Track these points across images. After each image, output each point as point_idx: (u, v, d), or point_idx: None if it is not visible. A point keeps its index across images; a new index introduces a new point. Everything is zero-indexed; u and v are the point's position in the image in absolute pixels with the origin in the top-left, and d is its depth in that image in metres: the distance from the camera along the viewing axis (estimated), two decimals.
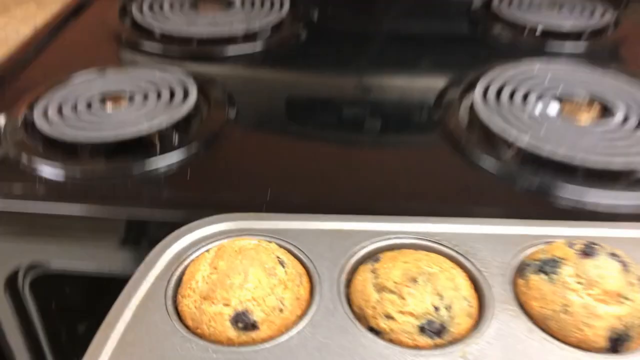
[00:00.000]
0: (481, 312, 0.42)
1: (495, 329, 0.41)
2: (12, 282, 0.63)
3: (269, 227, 0.47)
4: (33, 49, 0.87)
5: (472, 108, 0.70)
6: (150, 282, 0.44)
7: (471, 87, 0.74)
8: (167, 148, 0.63)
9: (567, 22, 0.95)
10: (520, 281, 0.44)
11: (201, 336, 0.41)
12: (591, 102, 0.72)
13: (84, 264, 0.62)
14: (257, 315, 0.41)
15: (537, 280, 0.43)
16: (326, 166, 0.64)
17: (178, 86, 0.73)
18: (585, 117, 0.69)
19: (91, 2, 1.04)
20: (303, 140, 0.70)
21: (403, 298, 0.42)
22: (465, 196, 0.57)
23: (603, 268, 0.42)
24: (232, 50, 0.87)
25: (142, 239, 0.57)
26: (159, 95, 0.71)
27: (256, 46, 0.88)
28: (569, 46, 0.90)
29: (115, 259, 0.59)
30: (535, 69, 0.78)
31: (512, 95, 0.71)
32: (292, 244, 0.46)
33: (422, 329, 0.41)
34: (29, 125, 0.68)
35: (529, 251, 0.46)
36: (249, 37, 0.89)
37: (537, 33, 0.93)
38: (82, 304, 0.71)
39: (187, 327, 0.41)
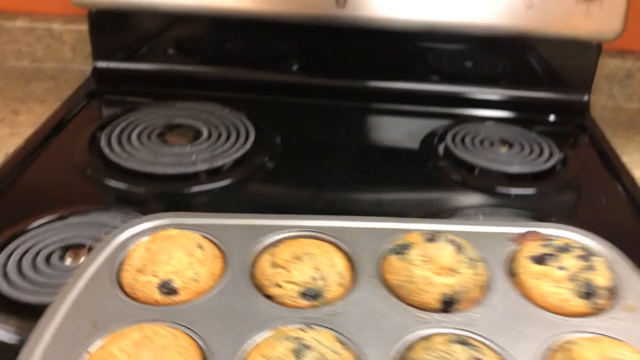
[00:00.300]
0: (353, 283, 0.56)
1: (359, 295, 0.54)
2: None
3: (197, 222, 0.61)
4: None
5: None
6: (100, 261, 0.57)
7: None
8: None
9: (514, 165, 0.96)
10: (383, 261, 0.57)
11: (136, 299, 0.53)
12: None
13: None
14: (177, 284, 0.54)
15: (392, 259, 0.56)
16: None
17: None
18: None
19: (64, 125, 1.05)
20: None
21: (289, 271, 0.54)
22: None
23: (440, 249, 0.55)
24: (197, 187, 0.88)
25: None
26: None
27: (221, 182, 0.89)
28: (517, 189, 0.92)
29: None
30: None
31: None
32: (212, 234, 0.60)
33: (302, 294, 0.53)
34: None
35: (393, 239, 0.59)
36: (214, 172, 0.91)
37: (486, 174, 0.95)
38: None
39: (125, 292, 0.54)
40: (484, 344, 0.48)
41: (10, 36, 1.25)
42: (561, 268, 0.55)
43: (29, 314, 0.57)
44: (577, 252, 0.57)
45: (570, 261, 0.55)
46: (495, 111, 1.18)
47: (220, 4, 1.10)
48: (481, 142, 1.03)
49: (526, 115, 1.18)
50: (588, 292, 0.54)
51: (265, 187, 0.93)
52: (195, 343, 0.48)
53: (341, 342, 0.48)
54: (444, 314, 0.52)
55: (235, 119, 1.06)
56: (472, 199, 0.91)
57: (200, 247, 0.57)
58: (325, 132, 1.09)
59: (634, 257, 0.61)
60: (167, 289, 0.54)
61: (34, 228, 0.75)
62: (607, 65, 1.23)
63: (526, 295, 0.55)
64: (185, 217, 0.62)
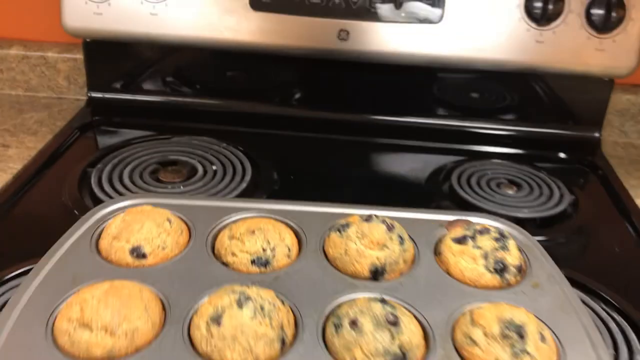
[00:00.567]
0: (299, 254, 0.64)
1: (302, 264, 0.62)
2: None
3: (168, 202, 0.70)
4: None
5: None
6: (82, 230, 0.66)
7: None
8: None
9: (522, 210, 0.92)
10: (326, 238, 0.65)
11: (110, 262, 0.61)
12: None
13: None
14: (146, 250, 0.62)
15: (333, 235, 0.64)
16: None
17: None
18: None
19: (55, 160, 1.01)
20: None
21: (243, 242, 0.62)
22: None
23: (373, 228, 0.62)
24: None
25: None
26: None
27: None
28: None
29: None
30: None
31: None
32: (181, 213, 0.68)
33: (252, 262, 0.62)
34: None
35: (337, 221, 0.67)
36: None
37: None
38: None
39: (102, 256, 0.62)
40: (402, 305, 0.56)
41: (4, 64, 1.22)
42: (477, 247, 0.63)
43: None
44: (493, 235, 0.64)
45: (486, 242, 0.63)
46: (503, 148, 1.14)
47: (219, 36, 1.07)
48: (488, 183, 0.99)
49: (535, 151, 1.13)
50: (499, 269, 0.62)
51: None
52: (157, 297, 0.56)
53: (281, 300, 0.55)
54: (373, 282, 0.61)
55: (232, 154, 1.02)
56: None
57: (169, 221, 0.65)
58: (326, 168, 1.05)
59: None
60: (138, 253, 0.62)
61: (10, 279, 0.70)
62: (619, 100, 1.18)
63: (447, 270, 0.63)
64: (159, 197, 0.73)
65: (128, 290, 0.54)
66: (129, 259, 0.61)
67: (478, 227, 0.65)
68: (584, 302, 0.72)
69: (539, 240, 0.85)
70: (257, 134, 1.13)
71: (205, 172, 0.97)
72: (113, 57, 1.16)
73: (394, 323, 0.52)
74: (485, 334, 0.53)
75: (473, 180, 0.99)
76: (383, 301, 0.55)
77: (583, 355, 0.54)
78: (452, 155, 1.09)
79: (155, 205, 0.68)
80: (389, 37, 1.05)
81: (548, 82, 1.15)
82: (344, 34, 1.05)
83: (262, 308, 0.52)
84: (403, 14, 1.04)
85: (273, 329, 0.52)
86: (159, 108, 1.18)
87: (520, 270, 0.64)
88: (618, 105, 1.19)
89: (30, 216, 0.88)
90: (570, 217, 0.94)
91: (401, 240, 0.63)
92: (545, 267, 0.65)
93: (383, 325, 0.52)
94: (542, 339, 0.53)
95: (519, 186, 0.99)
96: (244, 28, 1.05)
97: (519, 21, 1.03)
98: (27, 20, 1.23)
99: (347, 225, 0.64)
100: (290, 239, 0.65)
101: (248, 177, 0.96)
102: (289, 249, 0.63)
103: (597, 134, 1.15)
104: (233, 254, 0.62)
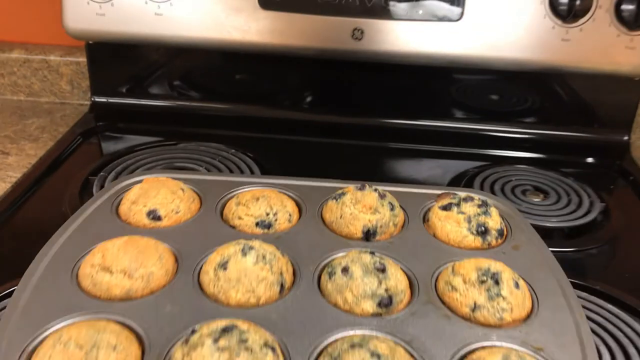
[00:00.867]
0: (299, 219, 0.70)
1: (301, 227, 0.68)
2: None
3: (182, 176, 0.76)
4: None
5: None
6: (104, 199, 0.72)
7: None
8: None
9: (550, 219, 0.87)
10: (324, 205, 0.71)
11: (129, 224, 0.67)
12: None
13: None
14: (161, 213, 0.67)
15: (330, 203, 0.70)
16: None
17: None
18: None
19: (56, 168, 0.97)
20: None
21: (248, 208, 0.68)
22: None
23: (366, 195, 0.68)
24: None
25: None
26: None
27: None
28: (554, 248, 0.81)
29: None
30: None
31: None
32: (193, 184, 0.74)
33: (257, 224, 0.67)
34: None
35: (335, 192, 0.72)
36: None
37: None
38: None
39: (121, 219, 0.68)
40: (389, 258, 0.61)
41: (5, 68, 1.18)
42: (461, 212, 0.68)
43: None
44: (476, 202, 0.69)
45: (469, 208, 0.68)
46: (526, 152, 1.08)
47: (227, 37, 1.02)
48: (512, 190, 0.93)
49: (560, 156, 1.08)
50: (481, 231, 0.67)
51: None
52: (171, 251, 0.62)
53: (281, 253, 0.61)
54: (365, 242, 0.66)
55: (241, 161, 0.97)
56: None
57: (182, 190, 0.70)
58: (339, 175, 0.99)
59: None
60: (154, 216, 0.67)
61: (9, 294, 0.64)
62: None
63: (434, 234, 0.68)
64: (173, 173, 0.77)
65: (145, 243, 0.60)
66: (145, 221, 0.67)
67: (463, 196, 0.70)
68: (619, 318, 0.68)
69: (568, 251, 0.82)
70: (267, 139, 1.09)
71: None
72: (117, 60, 1.12)
73: (382, 270, 0.58)
74: (464, 281, 0.58)
75: (497, 187, 0.93)
76: (372, 253, 0.60)
77: (555, 304, 0.59)
78: (473, 161, 1.04)
79: (173, 178, 0.75)
80: (405, 36, 1.00)
81: (574, 83, 1.09)
82: (358, 33, 1.00)
83: (263, 257, 0.58)
84: (420, 12, 0.98)
85: (273, 274, 0.57)
86: (165, 113, 1.13)
87: (501, 234, 0.68)
88: None
89: (29, 227, 0.84)
90: (601, 226, 0.88)
91: (392, 206, 0.69)
92: (526, 233, 0.69)
93: (371, 272, 0.57)
94: (516, 285, 0.58)
95: (545, 193, 0.94)
96: (253, 28, 1.00)
97: (544, 18, 0.97)
98: (28, 23, 1.19)
99: (343, 194, 0.69)
100: (291, 206, 0.70)
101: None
102: (290, 215, 0.69)
103: (626, 137, 1.10)
104: (239, 218, 0.68)
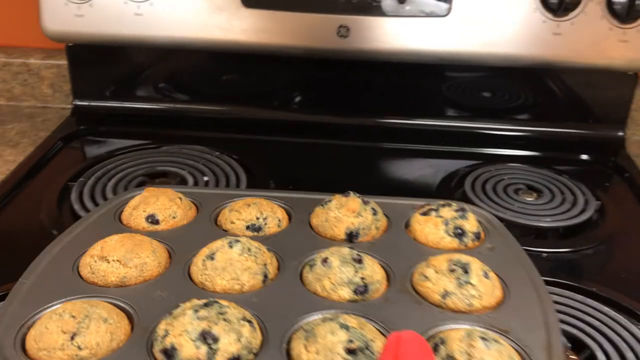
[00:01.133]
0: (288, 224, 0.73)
1: (289, 230, 0.71)
2: None
3: (181, 190, 0.77)
4: None
5: None
6: (107, 208, 0.75)
7: None
8: None
9: (544, 218, 0.85)
10: (312, 213, 0.73)
11: (129, 228, 0.71)
12: None
13: None
14: (159, 217, 0.71)
15: (317, 209, 0.73)
16: None
17: None
18: None
19: (35, 174, 0.94)
20: None
21: (240, 213, 0.71)
22: None
23: (351, 200, 0.71)
24: None
25: None
26: None
27: None
28: (549, 248, 0.81)
29: None
30: None
31: None
32: (191, 196, 0.77)
33: (247, 227, 0.70)
34: None
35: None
36: None
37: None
38: None
39: (122, 223, 0.72)
40: (369, 254, 0.64)
41: None
42: (440, 216, 0.70)
43: None
44: (454, 207, 0.71)
45: (447, 212, 0.70)
46: (519, 150, 1.06)
47: (209, 36, 0.99)
48: (505, 189, 0.91)
49: (554, 154, 1.05)
50: (458, 233, 0.69)
51: None
52: (165, 247, 0.67)
53: (267, 249, 0.64)
54: (349, 243, 0.69)
55: (225, 164, 0.95)
56: None
57: (180, 198, 0.74)
58: (327, 177, 0.97)
59: None
60: (152, 220, 0.71)
61: None
62: None
63: (414, 237, 0.70)
64: (174, 187, 0.79)
65: (141, 238, 0.65)
66: (144, 224, 0.71)
67: (441, 202, 0.72)
68: (616, 321, 0.66)
69: (563, 252, 0.79)
70: (253, 140, 1.06)
71: (195, 183, 0.90)
72: (98, 62, 1.09)
73: (359, 261, 0.61)
74: (436, 271, 0.61)
75: (488, 187, 0.91)
76: (352, 247, 0.64)
77: (525, 295, 0.60)
78: (464, 160, 1.02)
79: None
80: (392, 33, 0.97)
81: (566, 78, 1.06)
82: (344, 31, 0.97)
83: (249, 249, 0.62)
84: (407, 8, 0.96)
85: (257, 264, 0.62)
86: (148, 115, 1.11)
87: (478, 237, 0.70)
88: None
89: (4, 235, 0.82)
90: (596, 226, 0.86)
91: (374, 211, 0.72)
92: (503, 237, 0.71)
93: (349, 262, 0.61)
94: (486, 275, 0.60)
95: (539, 192, 0.91)
96: (236, 27, 0.98)
97: (534, 12, 0.95)
98: (7, 25, 1.16)
99: (330, 200, 0.73)
100: (281, 213, 0.73)
101: (243, 188, 0.89)
102: (279, 220, 0.72)
103: (620, 133, 1.07)
104: (231, 222, 0.71)
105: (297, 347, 0.52)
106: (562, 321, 0.65)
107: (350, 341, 0.51)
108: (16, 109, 1.16)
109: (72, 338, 0.52)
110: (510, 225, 0.79)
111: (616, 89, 1.05)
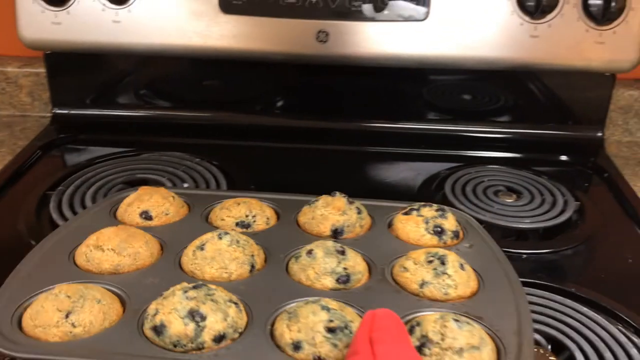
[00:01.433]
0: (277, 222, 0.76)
1: (277, 228, 0.74)
2: None
3: (177, 190, 0.81)
4: None
5: None
6: (103, 205, 0.78)
7: None
8: None
9: (524, 220, 0.85)
10: (299, 212, 0.76)
11: (124, 223, 0.74)
12: None
13: None
14: (152, 213, 0.74)
15: (305, 208, 0.76)
16: None
17: None
18: None
19: (12, 184, 0.93)
20: None
21: (230, 210, 0.74)
22: None
23: (336, 199, 0.74)
24: None
25: None
26: None
27: None
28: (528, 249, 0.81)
29: None
30: None
31: None
32: (184, 196, 0.80)
33: (237, 224, 0.73)
34: None
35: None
36: None
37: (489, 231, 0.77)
38: None
39: (117, 219, 0.75)
40: (352, 248, 0.68)
41: None
42: (420, 215, 0.73)
43: None
44: (434, 207, 0.74)
45: (428, 212, 0.73)
46: (499, 152, 1.06)
47: (188, 42, 0.99)
48: (484, 191, 0.91)
49: (534, 155, 1.06)
50: (437, 231, 0.72)
51: None
52: (157, 240, 0.70)
53: (255, 242, 0.68)
54: (334, 239, 0.70)
55: (206, 170, 0.94)
56: None
57: (173, 197, 0.77)
58: (309, 182, 0.96)
59: None
60: (146, 216, 0.74)
61: None
62: (621, 96, 1.11)
63: (396, 235, 0.73)
64: (167, 189, 0.81)
65: (135, 230, 0.69)
66: (138, 220, 0.74)
67: (421, 204, 0.75)
68: (594, 321, 0.67)
69: (543, 253, 0.80)
70: (234, 146, 1.06)
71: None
72: (77, 70, 1.08)
73: (342, 252, 0.65)
74: (415, 263, 0.64)
75: (468, 189, 0.91)
76: (335, 240, 0.68)
77: (499, 287, 0.64)
78: (445, 162, 1.02)
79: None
80: (371, 38, 0.98)
81: (545, 80, 1.07)
82: (323, 36, 0.97)
83: (237, 241, 0.65)
84: (386, 12, 0.96)
85: (245, 255, 0.65)
86: (129, 123, 1.10)
87: (457, 235, 0.73)
88: (620, 102, 1.12)
89: None
90: (576, 226, 0.87)
91: (359, 211, 0.74)
92: (481, 236, 0.74)
93: (333, 254, 0.64)
94: (462, 267, 0.64)
95: (518, 194, 0.92)
96: (215, 33, 0.98)
97: (511, 15, 0.96)
98: None
99: (317, 200, 0.76)
100: (270, 212, 0.76)
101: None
102: (268, 218, 0.75)
103: (599, 134, 1.08)
104: (222, 219, 0.74)
105: (281, 327, 0.55)
106: (541, 322, 0.66)
107: (331, 320, 0.54)
108: None
109: (67, 316, 0.55)
110: (490, 227, 0.80)
111: (594, 90, 1.06)
